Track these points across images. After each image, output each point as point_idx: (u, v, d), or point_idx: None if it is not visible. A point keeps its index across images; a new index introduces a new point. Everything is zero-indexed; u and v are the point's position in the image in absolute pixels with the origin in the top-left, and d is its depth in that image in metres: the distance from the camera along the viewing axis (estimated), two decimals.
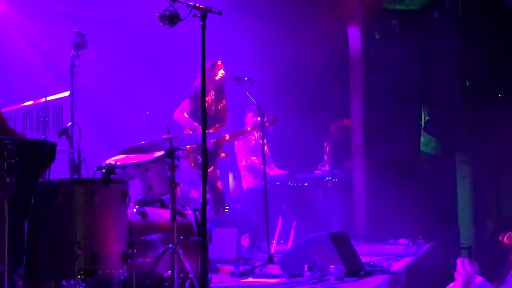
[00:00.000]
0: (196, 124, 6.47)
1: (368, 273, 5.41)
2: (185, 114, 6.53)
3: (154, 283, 3.89)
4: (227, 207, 7.09)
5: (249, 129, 7.28)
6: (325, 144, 9.02)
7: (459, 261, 7.76)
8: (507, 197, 12.59)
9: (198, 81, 6.31)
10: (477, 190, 12.84)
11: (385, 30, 10.81)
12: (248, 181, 7.67)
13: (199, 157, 6.43)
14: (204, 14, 3.86)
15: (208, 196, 5.72)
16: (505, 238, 9.69)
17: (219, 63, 6.53)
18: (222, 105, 6.77)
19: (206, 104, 4.05)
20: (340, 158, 9.06)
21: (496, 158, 12.89)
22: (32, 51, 8.72)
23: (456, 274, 7.58)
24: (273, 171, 8.33)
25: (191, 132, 6.39)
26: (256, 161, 7.70)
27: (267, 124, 6.51)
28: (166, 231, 4.00)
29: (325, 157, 8.89)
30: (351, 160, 9.49)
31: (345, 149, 9.34)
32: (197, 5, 3.86)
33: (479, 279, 7.85)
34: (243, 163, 7.74)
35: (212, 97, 6.62)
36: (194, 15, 3.86)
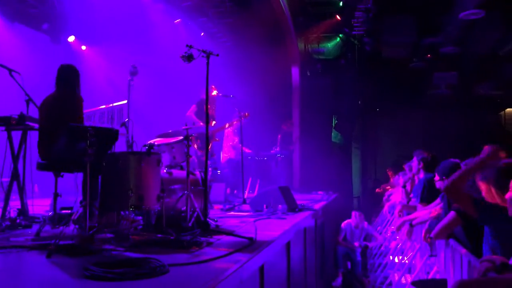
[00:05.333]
0: (198, 120, 6.42)
1: (301, 210, 5.42)
2: (193, 114, 6.48)
3: (176, 214, 3.84)
4: (219, 171, 7.00)
5: (227, 125, 6.91)
6: (278, 135, 9.02)
7: (352, 213, 7.89)
8: (380, 168, 12.86)
9: (202, 95, 6.24)
10: (363, 164, 13.09)
11: (313, 70, 10.85)
12: (231, 154, 7.56)
13: (199, 141, 6.37)
14: (208, 55, 3.81)
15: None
16: (380, 189, 9.89)
17: (213, 86, 6.46)
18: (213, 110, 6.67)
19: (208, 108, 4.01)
20: (286, 143, 9.06)
21: (374, 146, 13.17)
22: (103, 77, 8.55)
23: (352, 221, 7.71)
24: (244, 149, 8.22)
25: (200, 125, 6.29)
26: (237, 142, 7.58)
27: (246, 115, 6.36)
28: (183, 183, 3.94)
29: (278, 142, 8.89)
30: (292, 145, 9.52)
31: (289, 139, 9.36)
32: (204, 50, 3.82)
33: (365, 224, 7.97)
34: (229, 144, 7.59)
35: (211, 105, 6.53)
36: (202, 56, 3.81)
